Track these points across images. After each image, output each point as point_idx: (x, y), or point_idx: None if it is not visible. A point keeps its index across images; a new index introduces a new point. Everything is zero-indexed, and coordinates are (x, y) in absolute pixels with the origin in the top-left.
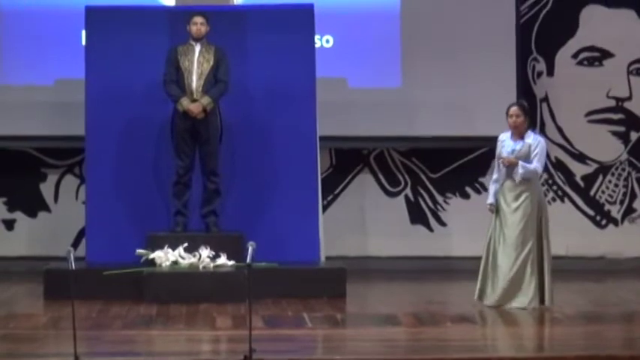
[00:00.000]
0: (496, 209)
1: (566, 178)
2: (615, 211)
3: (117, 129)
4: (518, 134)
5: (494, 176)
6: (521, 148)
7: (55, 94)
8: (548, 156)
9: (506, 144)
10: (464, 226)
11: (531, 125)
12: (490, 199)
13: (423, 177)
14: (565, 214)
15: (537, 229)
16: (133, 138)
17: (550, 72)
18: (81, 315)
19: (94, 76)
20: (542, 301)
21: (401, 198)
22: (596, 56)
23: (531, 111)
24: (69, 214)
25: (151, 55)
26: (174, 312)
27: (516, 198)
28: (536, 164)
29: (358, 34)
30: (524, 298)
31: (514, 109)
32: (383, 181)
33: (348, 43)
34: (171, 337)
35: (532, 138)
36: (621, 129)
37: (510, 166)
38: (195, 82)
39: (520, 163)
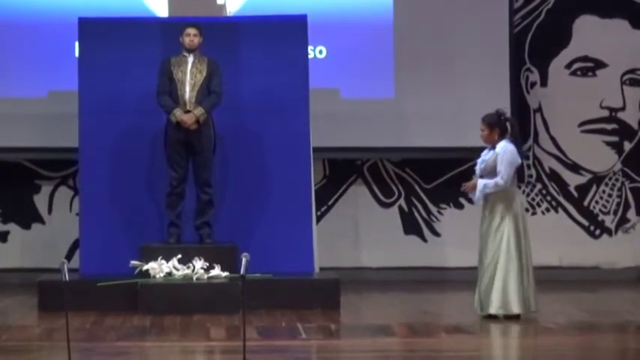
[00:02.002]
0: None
1: (560, 188)
2: (609, 221)
3: (110, 140)
4: (491, 145)
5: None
6: (489, 158)
7: (49, 106)
8: (541, 166)
9: (482, 155)
10: (458, 237)
11: (506, 134)
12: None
13: (417, 187)
14: (559, 224)
15: (516, 239)
16: (127, 149)
17: (543, 82)
18: (75, 326)
19: (88, 87)
20: (528, 308)
21: (395, 208)
22: (590, 66)
23: (526, 121)
24: (63, 225)
25: (144, 67)
26: (168, 323)
27: (492, 208)
28: (497, 179)
29: (351, 45)
30: (496, 305)
31: (481, 124)
32: (377, 191)
33: (342, 54)
34: (166, 348)
35: (500, 147)
36: (615, 139)
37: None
38: (188, 93)
39: (478, 186)
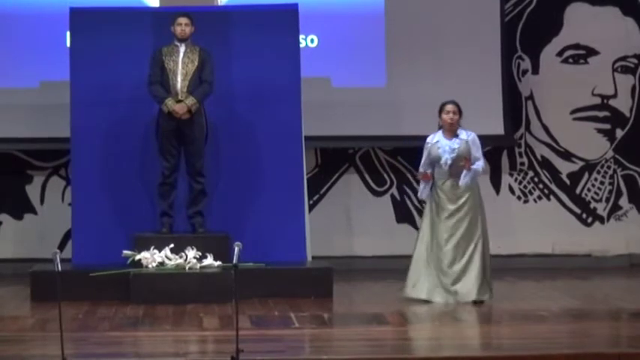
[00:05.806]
0: (434, 208)
1: (552, 176)
2: (601, 209)
3: (102, 130)
4: (452, 132)
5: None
6: (460, 146)
7: (40, 96)
8: (533, 153)
9: (442, 144)
10: None
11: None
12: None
13: (409, 176)
14: (551, 212)
15: (480, 226)
16: (119, 139)
17: (535, 70)
18: (68, 317)
19: (79, 77)
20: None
21: (387, 197)
22: (581, 54)
23: (517, 109)
24: (55, 215)
25: (136, 56)
26: (160, 313)
27: (459, 198)
28: (481, 163)
29: (343, 34)
30: (474, 291)
31: (451, 107)
32: (369, 180)
33: (333, 42)
34: (158, 337)
35: (465, 134)
36: (607, 126)
37: (460, 168)
38: (179, 82)
39: (473, 168)
